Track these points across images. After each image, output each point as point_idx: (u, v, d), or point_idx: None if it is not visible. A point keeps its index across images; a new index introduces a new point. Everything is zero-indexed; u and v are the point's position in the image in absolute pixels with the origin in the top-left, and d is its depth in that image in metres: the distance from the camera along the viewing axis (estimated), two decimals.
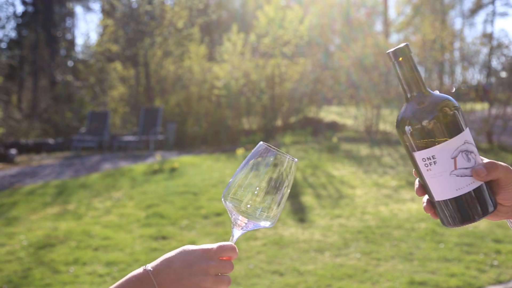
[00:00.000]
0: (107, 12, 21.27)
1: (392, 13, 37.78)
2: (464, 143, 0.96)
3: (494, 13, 37.46)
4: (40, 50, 25.75)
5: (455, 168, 0.95)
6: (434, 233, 5.72)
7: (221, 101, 17.11)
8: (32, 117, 21.47)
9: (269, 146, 1.04)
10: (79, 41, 47.42)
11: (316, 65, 16.93)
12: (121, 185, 8.92)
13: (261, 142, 1.05)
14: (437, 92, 1.00)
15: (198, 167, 10.30)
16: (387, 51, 1.01)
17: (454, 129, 0.96)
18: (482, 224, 6.01)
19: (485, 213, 0.97)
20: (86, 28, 47.54)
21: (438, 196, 0.98)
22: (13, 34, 29.67)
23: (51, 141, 16.64)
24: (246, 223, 1.06)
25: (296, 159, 1.06)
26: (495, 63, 14.85)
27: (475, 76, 14.26)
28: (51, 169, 11.65)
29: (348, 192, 7.86)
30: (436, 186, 0.97)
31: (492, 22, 41.82)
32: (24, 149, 15.47)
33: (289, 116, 17.04)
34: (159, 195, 7.86)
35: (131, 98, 19.45)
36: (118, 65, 19.90)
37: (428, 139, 0.96)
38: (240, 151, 10.93)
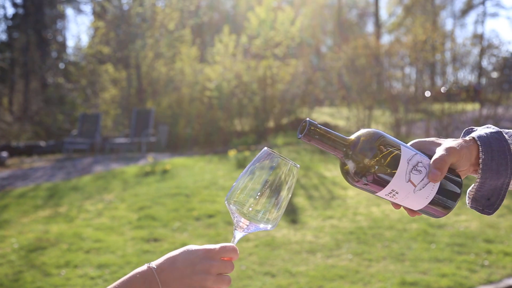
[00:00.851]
0: (98, 14, 21.22)
1: (383, 14, 37.94)
2: (408, 163, 1.01)
3: (485, 14, 37.73)
4: (31, 53, 25.62)
5: (415, 186, 1.01)
6: (425, 233, 5.75)
7: (213, 102, 17.10)
8: (23, 119, 21.37)
9: (272, 151, 1.07)
10: (70, 43, 47.30)
11: (308, 66, 16.96)
12: (113, 187, 8.89)
13: (265, 148, 1.09)
14: (359, 134, 1.04)
15: (190, 169, 10.29)
16: (299, 138, 1.03)
17: (394, 158, 1.01)
18: (473, 225, 6.04)
19: (457, 197, 1.05)
20: (77, 30, 47.38)
21: (415, 208, 1.06)
22: (3, 36, 29.53)
23: (42, 143, 16.56)
24: (247, 226, 1.09)
25: (298, 165, 1.09)
26: (486, 64, 14.95)
27: (466, 76, 14.35)
28: (42, 171, 11.60)
29: (340, 193, 7.87)
30: (409, 203, 1.05)
31: (483, 22, 42.16)
32: (15, 152, 15.39)
33: (281, 117, 17.06)
34: (151, 197, 7.84)
35: (123, 100, 19.41)
36: (109, 67, 19.84)
37: (380, 180, 1.01)
38: (232, 153, 10.93)
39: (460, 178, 1.06)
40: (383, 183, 1.01)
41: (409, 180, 1.01)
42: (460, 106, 13.28)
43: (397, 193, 1.02)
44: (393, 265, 4.82)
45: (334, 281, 4.48)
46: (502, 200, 1.06)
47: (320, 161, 10.60)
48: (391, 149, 1.01)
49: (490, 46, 14.68)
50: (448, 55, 14.83)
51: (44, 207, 7.69)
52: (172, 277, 1.01)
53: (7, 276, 4.81)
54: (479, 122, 12.52)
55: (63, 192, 8.76)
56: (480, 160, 1.03)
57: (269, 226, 1.09)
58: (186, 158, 12.21)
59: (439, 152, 1.03)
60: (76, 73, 21.52)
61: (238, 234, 1.11)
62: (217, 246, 1.06)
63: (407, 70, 15.83)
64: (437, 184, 1.02)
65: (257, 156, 1.09)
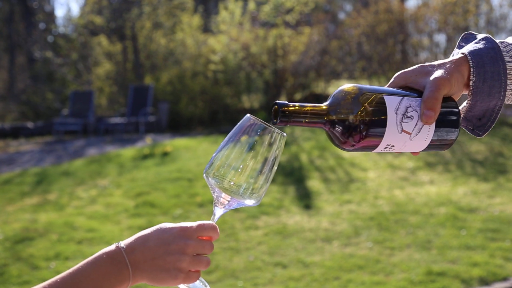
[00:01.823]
0: None
1: None
2: (396, 113, 1.01)
3: None
4: (15, 24, 25.63)
5: (410, 134, 1.03)
6: (455, 218, 5.72)
7: (218, 77, 17.06)
8: (9, 98, 21.47)
9: (256, 119, 1.05)
10: (59, 13, 47.22)
11: (323, 34, 16.81)
12: (108, 172, 8.94)
13: (248, 115, 1.06)
14: (336, 96, 1.04)
15: (193, 151, 10.30)
16: (274, 123, 1.03)
17: (380, 113, 1.01)
18: (509, 208, 6.00)
19: (458, 125, 1.06)
20: None
21: (417, 151, 1.09)
22: None
23: (30, 125, 16.66)
24: (229, 201, 1.08)
25: (285, 134, 1.07)
26: None
27: None
28: (30, 155, 11.68)
29: (359, 175, 7.85)
30: (408, 150, 1.07)
31: None
32: (0, 134, 15.50)
33: (294, 92, 16.99)
34: (150, 182, 7.87)
35: (118, 76, 19.43)
36: (103, 39, 19.83)
37: (372, 140, 1.02)
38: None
39: (455, 103, 1.07)
40: (375, 142, 1.02)
41: (403, 131, 1.02)
42: None
43: (393, 146, 1.04)
44: (418, 254, 4.81)
45: (352, 272, 4.48)
46: (494, 121, 1.07)
47: None
48: (374, 104, 1.01)
49: None
50: (483, 19, 14.61)
51: (32, 194, 7.75)
52: (143, 257, 0.99)
53: None
54: None
55: (52, 177, 8.81)
56: (470, 83, 1.03)
57: (253, 202, 1.08)
58: (188, 139, 12.22)
59: (428, 88, 1.02)
60: (66, 46, 21.54)
61: (218, 211, 1.10)
62: (194, 223, 1.04)
63: (436, 37, 15.64)
64: (434, 125, 1.03)
65: (238, 123, 1.07)
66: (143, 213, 6.43)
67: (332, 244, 5.18)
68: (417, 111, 1.02)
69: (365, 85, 1.05)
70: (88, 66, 20.17)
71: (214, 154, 1.07)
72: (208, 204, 6.65)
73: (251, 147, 1.05)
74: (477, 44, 1.06)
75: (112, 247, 1.01)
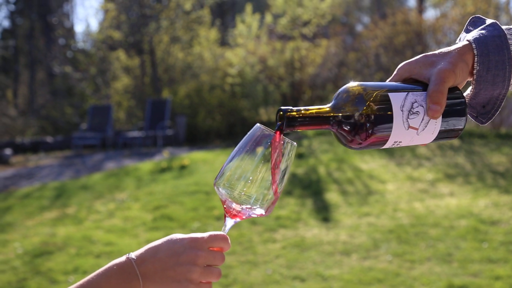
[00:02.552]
0: None
1: None
2: (402, 111, 1.01)
3: None
4: (35, 40, 26.06)
5: (417, 129, 1.03)
6: (476, 231, 5.64)
7: (236, 90, 17.12)
8: (29, 113, 21.75)
9: (266, 128, 1.04)
10: (78, 28, 47.93)
11: (341, 46, 16.81)
12: (126, 186, 8.98)
13: (258, 124, 1.06)
14: (340, 95, 1.03)
15: (210, 164, 10.32)
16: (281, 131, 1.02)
17: (386, 110, 1.01)
18: None
19: (464, 113, 1.06)
20: (85, 14, 47.95)
21: (425, 143, 1.09)
22: (5, 23, 30.08)
23: (49, 139, 16.84)
24: (239, 211, 1.07)
25: (295, 143, 1.06)
26: None
27: None
28: (49, 169, 11.79)
29: (378, 188, 7.79)
30: (416, 143, 1.08)
31: None
32: (20, 149, 15.68)
33: (311, 104, 16.83)
34: (168, 196, 7.89)
35: (136, 90, 19.60)
36: (121, 54, 20.04)
37: (379, 138, 1.02)
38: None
39: (460, 92, 1.06)
40: (383, 139, 1.02)
41: (409, 127, 1.02)
42: None
43: (400, 142, 1.04)
44: (439, 267, 4.74)
45: (372, 286, 4.43)
46: (498, 109, 1.07)
47: (355, 152, 10.51)
48: (379, 102, 1.00)
49: None
50: None
51: (51, 208, 7.80)
52: (153, 268, 1.00)
53: (10, 284, 4.90)
54: None
55: (71, 191, 8.88)
56: (474, 71, 1.03)
57: (263, 212, 1.07)
58: (206, 152, 12.25)
59: (432, 81, 1.00)
60: (85, 61, 21.79)
61: (229, 222, 1.09)
62: (205, 234, 1.04)
63: None
64: (440, 118, 1.03)
65: (248, 133, 1.06)
66: (161, 227, 6.44)
67: (351, 257, 5.14)
68: (423, 106, 1.02)
69: (368, 82, 1.04)
70: (107, 81, 20.38)
71: (224, 164, 1.06)
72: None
73: (262, 157, 1.03)
74: (483, 31, 1.05)
75: (122, 258, 1.01)
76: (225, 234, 1.07)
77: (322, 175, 8.80)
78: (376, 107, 0.99)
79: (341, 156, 9.99)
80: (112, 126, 16.15)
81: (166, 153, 12.47)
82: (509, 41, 1.03)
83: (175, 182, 8.80)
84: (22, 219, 7.21)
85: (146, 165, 10.85)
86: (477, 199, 6.89)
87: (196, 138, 16.18)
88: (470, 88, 1.07)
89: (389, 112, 1.00)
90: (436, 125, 1.04)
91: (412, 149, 10.75)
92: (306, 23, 16.73)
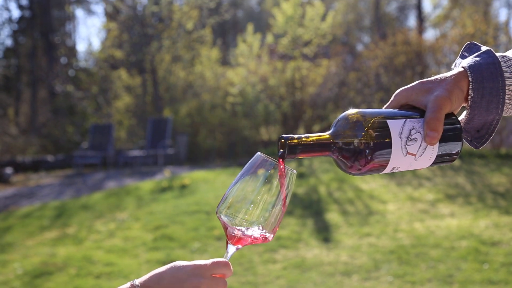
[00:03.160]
0: (110, 15, 21.63)
1: (427, 6, 37.62)
2: (401, 137, 1.03)
3: None
4: (38, 59, 26.21)
5: (415, 155, 1.05)
6: (477, 252, 5.64)
7: (237, 109, 17.17)
8: (30, 132, 21.81)
9: (267, 156, 1.07)
10: (80, 47, 48.28)
11: (341, 66, 16.91)
12: (126, 205, 8.98)
13: (259, 153, 1.08)
14: (339, 122, 1.06)
15: (211, 183, 10.32)
16: (283, 158, 1.04)
17: (384, 138, 1.03)
18: None
19: (460, 139, 1.09)
20: (88, 33, 48.30)
21: (423, 167, 1.11)
22: (8, 41, 30.24)
23: (50, 158, 16.87)
24: (241, 238, 1.09)
25: (295, 171, 1.09)
26: None
27: None
28: (50, 189, 11.79)
29: (379, 208, 7.79)
30: (415, 168, 1.10)
31: None
32: (20, 168, 15.70)
33: (312, 124, 17.02)
34: (168, 215, 7.89)
35: (138, 109, 19.67)
36: (122, 73, 20.16)
37: (377, 165, 1.04)
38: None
39: (456, 118, 1.09)
40: (382, 165, 1.05)
41: (408, 153, 1.04)
42: None
43: (399, 167, 1.07)
44: None
45: None
46: (492, 134, 1.09)
47: None
48: (378, 129, 1.03)
49: None
50: (501, 50, 14.59)
51: (51, 228, 7.80)
52: None
53: None
54: None
55: (72, 211, 8.88)
56: (469, 97, 1.06)
57: (266, 234, 1.09)
58: (207, 172, 12.26)
59: (429, 108, 1.03)
60: (87, 80, 21.90)
61: (231, 248, 1.11)
62: (208, 261, 1.06)
63: None
64: (437, 144, 1.06)
65: (249, 161, 1.08)
66: (161, 247, 6.43)
67: (352, 278, 5.13)
68: (420, 133, 1.04)
69: (367, 109, 1.06)
70: (108, 100, 20.47)
71: (226, 192, 1.09)
72: (225, 237, 6.64)
73: (263, 185, 1.06)
74: (478, 58, 1.08)
75: (127, 285, 1.02)
76: (227, 260, 1.09)
77: (322, 195, 8.81)
78: (375, 133, 1.02)
79: (342, 176, 10.00)
80: (113, 145, 16.19)
81: (167, 172, 12.48)
82: (503, 69, 1.05)
83: (175, 202, 8.80)
84: (22, 239, 7.21)
85: (147, 184, 10.85)
86: (477, 220, 6.88)
87: (197, 157, 16.20)
88: (465, 112, 1.10)
89: (387, 139, 1.02)
90: (433, 151, 1.06)
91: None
92: (307, 43, 16.84)
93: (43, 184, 12.67)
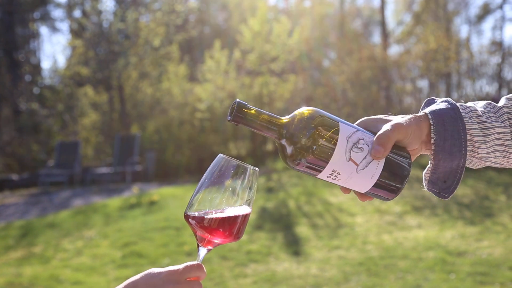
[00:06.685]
0: (76, 32, 21.44)
1: (391, 22, 38.32)
2: (348, 140, 1.04)
3: (503, 19, 38.10)
4: (1, 76, 25.76)
5: (357, 165, 1.05)
6: (443, 262, 5.73)
7: (205, 125, 17.17)
8: None
9: (229, 157, 1.10)
10: (45, 65, 47.58)
11: (308, 82, 17.08)
12: (94, 223, 8.87)
13: (220, 154, 1.12)
14: (294, 114, 1.07)
15: (180, 199, 10.27)
16: (229, 120, 1.06)
17: (332, 136, 1.04)
18: (497, 251, 6.03)
19: (404, 177, 1.08)
20: (53, 50, 47.74)
21: (362, 190, 1.09)
22: None
23: (15, 177, 16.55)
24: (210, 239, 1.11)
25: (257, 168, 1.12)
26: (506, 73, 15.04)
27: (484, 87, 14.43)
28: (14, 208, 11.57)
29: (348, 221, 7.86)
30: (354, 186, 1.08)
31: (501, 28, 42.42)
32: None
33: None
34: (137, 232, 7.82)
35: (105, 126, 19.48)
36: (89, 90, 19.97)
37: (318, 161, 1.04)
38: (228, 181, 10.94)
39: (410, 157, 1.09)
40: (322, 164, 1.04)
41: (350, 159, 1.04)
42: None
43: (339, 173, 1.05)
44: None
45: None
46: (458, 182, 1.09)
47: (324, 186, 10.60)
48: (328, 127, 1.04)
49: (511, 53, 14.80)
50: (464, 64, 14.95)
51: (16, 247, 7.65)
52: None
53: None
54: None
55: (37, 230, 8.72)
56: (432, 141, 1.07)
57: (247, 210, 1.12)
58: (175, 188, 12.19)
59: (383, 128, 1.06)
60: (52, 97, 21.63)
61: (202, 251, 1.13)
62: (180, 266, 1.07)
63: (419, 83, 15.93)
64: (382, 162, 1.06)
65: (213, 163, 1.11)
66: (130, 264, 6.37)
67: None
68: (368, 146, 1.05)
69: (325, 112, 1.08)
70: (74, 117, 20.24)
71: (192, 196, 1.11)
72: (195, 252, 6.61)
73: (227, 185, 1.09)
74: (437, 105, 1.11)
75: None
76: (200, 263, 1.10)
77: (292, 209, 8.85)
78: (324, 130, 1.04)
79: (311, 190, 10.07)
80: (80, 162, 15.98)
81: (135, 189, 12.38)
82: (462, 114, 1.08)
83: (144, 218, 8.73)
84: None
85: (114, 202, 10.74)
86: (444, 231, 7.00)
87: (166, 174, 16.10)
88: (429, 163, 1.10)
89: (334, 139, 1.03)
90: (376, 169, 1.05)
91: None
92: (274, 59, 16.98)
93: (7, 204, 12.43)
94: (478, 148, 1.10)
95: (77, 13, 27.44)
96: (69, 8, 28.40)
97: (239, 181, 1.10)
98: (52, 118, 21.01)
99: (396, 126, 1.05)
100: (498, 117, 1.11)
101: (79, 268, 6.35)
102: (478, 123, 1.09)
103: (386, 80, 14.64)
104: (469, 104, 1.13)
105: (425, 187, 1.13)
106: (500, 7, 37.01)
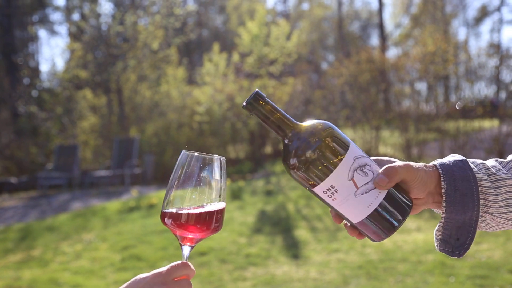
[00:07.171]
0: (74, 35, 21.45)
1: (389, 25, 38.42)
2: (354, 160, 1.02)
3: (501, 21, 38.24)
4: (0, 79, 25.74)
5: (357, 188, 1.02)
6: (443, 265, 5.72)
7: (204, 128, 17.16)
8: None
9: (192, 152, 1.12)
10: (44, 68, 47.62)
11: (307, 84, 17.09)
12: (93, 226, 8.85)
13: (184, 151, 1.13)
14: (308, 122, 1.06)
15: None
16: (243, 106, 1.07)
17: (339, 150, 1.03)
18: (497, 254, 6.02)
19: (404, 215, 1.04)
20: (51, 53, 47.80)
21: (355, 219, 1.05)
22: None
23: (13, 180, 16.52)
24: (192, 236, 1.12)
25: (223, 157, 1.14)
26: (504, 75, 15.04)
27: (483, 90, 14.44)
28: (13, 211, 11.55)
29: None
30: (348, 211, 1.04)
31: (499, 30, 42.57)
32: None
33: (279, 142, 17.09)
34: (136, 235, 7.80)
35: (103, 129, 19.46)
36: (87, 93, 19.96)
37: (319, 171, 1.02)
38: (226, 183, 10.93)
39: (411, 203, 1.05)
40: (321, 176, 1.02)
41: (352, 179, 1.01)
42: (477, 123, 13.34)
43: (336, 191, 1.02)
44: None
45: None
46: (473, 238, 1.04)
47: None
48: (339, 141, 1.03)
49: (509, 55, 14.81)
50: (462, 67, 14.96)
51: (15, 250, 7.64)
52: None
53: None
54: (499, 140, 12.56)
55: (36, 233, 8.71)
56: (442, 191, 1.02)
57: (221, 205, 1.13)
58: None
59: (394, 163, 1.04)
60: (51, 100, 21.59)
61: (186, 249, 1.14)
62: (166, 267, 1.06)
63: (418, 85, 15.96)
64: (382, 194, 1.02)
65: (178, 161, 1.12)
66: (129, 267, 6.36)
67: None
68: (373, 173, 1.02)
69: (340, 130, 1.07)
70: (73, 120, 20.21)
71: (165, 196, 1.12)
72: (195, 256, 6.61)
73: (197, 179, 1.10)
74: (444, 159, 1.08)
75: None
76: (186, 261, 1.10)
77: (291, 212, 8.84)
78: (333, 143, 1.02)
79: (310, 193, 10.06)
80: (79, 165, 15.96)
81: (134, 192, 12.36)
82: (471, 165, 1.05)
83: (143, 221, 8.72)
84: None
85: (113, 205, 10.73)
86: None
87: (164, 176, 16.08)
88: (440, 220, 1.06)
89: (342, 154, 1.02)
90: (375, 199, 1.02)
91: None
92: (272, 62, 16.99)
93: (6, 207, 12.41)
94: (491, 201, 1.04)
95: (75, 16, 27.51)
96: (68, 11, 28.45)
97: (208, 173, 1.10)
98: (51, 121, 20.97)
99: (407, 165, 1.03)
100: (507, 170, 1.08)
101: (78, 271, 6.34)
102: (488, 175, 1.06)
103: (384, 82, 14.64)
104: (474, 160, 1.11)
105: (437, 247, 1.08)
106: (498, 9, 37.18)
